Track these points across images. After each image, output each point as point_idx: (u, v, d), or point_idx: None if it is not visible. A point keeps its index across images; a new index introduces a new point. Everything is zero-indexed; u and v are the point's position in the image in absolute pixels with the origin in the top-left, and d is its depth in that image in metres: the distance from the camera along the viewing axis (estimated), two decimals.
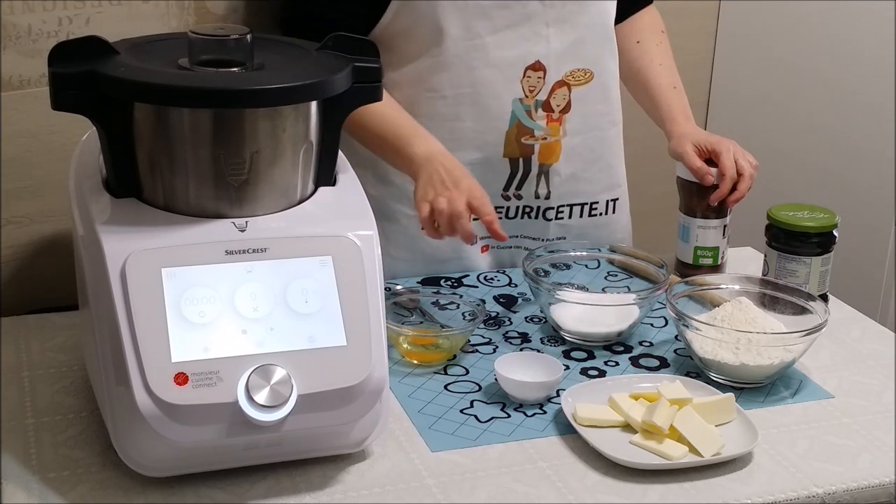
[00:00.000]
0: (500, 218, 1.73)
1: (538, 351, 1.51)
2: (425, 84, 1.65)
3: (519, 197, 1.74)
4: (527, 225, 1.76)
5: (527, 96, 1.67)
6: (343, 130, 1.29)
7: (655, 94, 1.78)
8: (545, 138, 1.71)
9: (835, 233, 1.62)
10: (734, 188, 1.66)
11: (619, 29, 1.79)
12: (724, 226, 1.72)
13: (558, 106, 1.69)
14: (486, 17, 1.61)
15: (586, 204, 1.79)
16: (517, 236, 1.77)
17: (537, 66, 1.65)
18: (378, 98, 1.28)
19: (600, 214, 1.81)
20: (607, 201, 1.81)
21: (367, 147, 1.61)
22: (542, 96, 1.68)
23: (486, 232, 1.69)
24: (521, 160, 1.71)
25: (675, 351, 1.53)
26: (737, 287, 1.56)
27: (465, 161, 1.68)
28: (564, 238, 1.78)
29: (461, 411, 1.37)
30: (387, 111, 1.58)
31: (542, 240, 1.77)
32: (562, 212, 1.77)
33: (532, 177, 1.72)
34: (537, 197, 1.74)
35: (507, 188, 1.73)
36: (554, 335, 1.56)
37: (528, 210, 1.75)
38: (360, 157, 1.64)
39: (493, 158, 1.70)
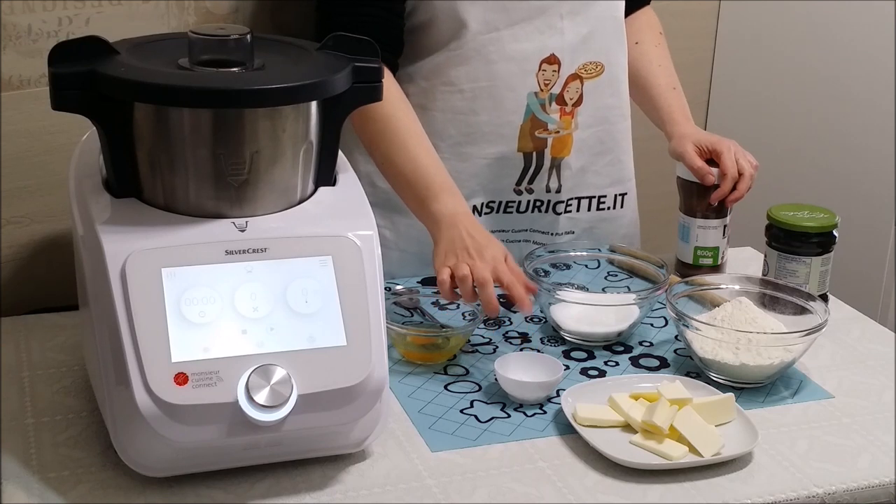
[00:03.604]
0: (511, 212, 1.74)
1: (538, 351, 1.51)
2: (442, 78, 1.65)
3: (530, 191, 1.74)
4: (537, 219, 1.77)
5: (542, 90, 1.67)
6: (347, 129, 1.29)
7: (655, 94, 1.79)
8: (558, 132, 1.71)
9: (835, 233, 1.62)
10: (734, 188, 1.66)
11: None
12: (724, 226, 1.72)
13: (571, 99, 1.70)
14: (503, 10, 1.62)
15: (594, 197, 1.79)
16: (527, 230, 1.77)
17: (552, 60, 1.66)
18: (378, 98, 1.28)
19: (608, 209, 1.82)
20: (615, 195, 1.82)
21: (389, 182, 1.58)
22: (556, 90, 1.68)
23: (495, 225, 1.69)
24: (534, 154, 1.71)
25: (675, 351, 1.53)
26: (737, 287, 1.56)
27: (479, 156, 1.69)
28: (573, 232, 1.79)
29: (461, 411, 1.37)
30: (420, 154, 1.54)
31: (552, 234, 1.78)
32: (570, 205, 1.77)
33: (544, 171, 1.73)
34: (548, 191, 1.75)
35: (519, 182, 1.73)
36: (554, 335, 1.56)
37: (538, 204, 1.76)
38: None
39: (507, 153, 1.70)
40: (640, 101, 1.82)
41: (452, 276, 1.43)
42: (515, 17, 1.63)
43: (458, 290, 1.43)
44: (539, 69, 1.66)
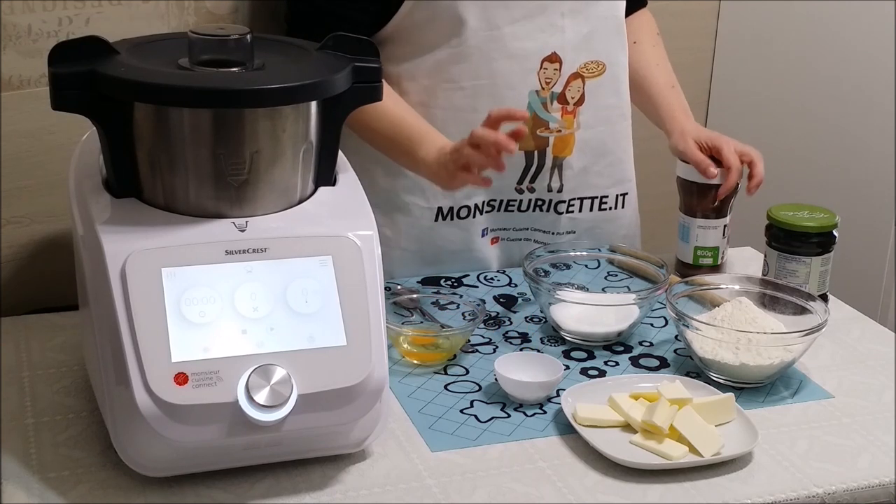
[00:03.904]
0: (512, 211, 1.75)
1: (538, 351, 1.51)
2: (443, 75, 1.65)
3: (532, 190, 1.74)
4: (538, 218, 1.77)
5: (543, 88, 1.67)
6: (347, 128, 1.29)
7: (654, 93, 1.80)
8: (560, 131, 1.71)
9: (835, 233, 1.62)
10: (750, 176, 1.67)
11: None
12: (724, 226, 1.72)
13: (573, 98, 1.70)
14: (504, 7, 1.62)
15: (596, 198, 1.79)
16: (528, 229, 1.77)
17: (553, 58, 1.66)
18: (378, 98, 1.28)
19: (609, 209, 1.82)
20: (616, 195, 1.82)
21: (376, 148, 1.62)
22: (558, 88, 1.68)
23: (496, 223, 1.69)
24: (535, 153, 1.71)
25: (675, 351, 1.53)
26: (737, 287, 1.56)
27: None
28: (574, 232, 1.79)
29: (461, 411, 1.37)
30: (394, 112, 1.58)
31: (553, 233, 1.78)
32: (573, 205, 1.77)
33: (546, 170, 1.73)
34: (550, 190, 1.75)
35: (521, 181, 1.73)
36: (554, 335, 1.56)
37: (540, 203, 1.75)
38: (368, 150, 1.64)
39: None
40: (639, 100, 1.82)
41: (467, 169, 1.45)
42: (516, 15, 1.63)
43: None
44: (540, 67, 1.66)
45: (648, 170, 1.97)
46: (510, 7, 1.62)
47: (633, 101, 1.82)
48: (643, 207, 1.91)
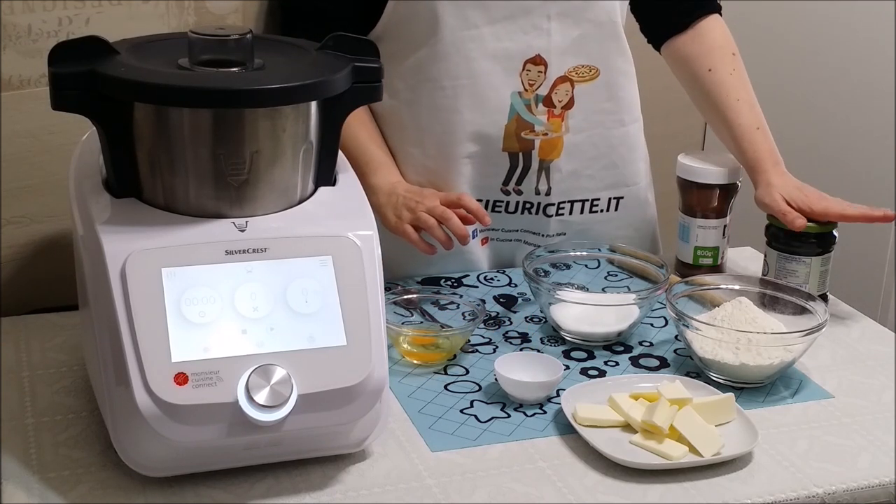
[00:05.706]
0: (500, 212, 1.74)
1: (538, 351, 1.51)
2: (425, 74, 1.65)
3: (519, 192, 1.73)
4: (527, 220, 1.76)
5: (526, 90, 1.66)
6: None
7: (737, 136, 1.70)
8: (546, 134, 1.70)
9: (835, 233, 1.62)
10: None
11: (683, 45, 1.75)
12: (724, 226, 1.72)
13: (560, 102, 1.68)
14: (482, 8, 1.61)
15: (587, 200, 1.78)
16: (517, 230, 1.77)
17: (537, 60, 1.65)
18: (378, 98, 1.28)
19: (601, 211, 1.80)
20: (609, 198, 1.80)
21: None
22: (543, 91, 1.67)
23: (482, 224, 1.70)
24: (520, 155, 1.70)
25: (675, 351, 1.53)
26: (737, 287, 1.56)
27: (463, 154, 1.68)
28: (565, 234, 1.78)
29: (461, 411, 1.37)
30: (360, 132, 1.65)
31: (543, 235, 1.77)
32: (562, 208, 1.76)
33: (532, 172, 1.72)
34: (537, 193, 1.73)
35: (506, 182, 1.72)
36: (554, 335, 1.56)
37: (528, 206, 1.74)
38: None
39: (491, 152, 1.69)
40: (722, 139, 1.75)
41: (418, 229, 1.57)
42: (496, 16, 1.62)
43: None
44: (523, 69, 1.65)
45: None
46: (489, 7, 1.61)
47: (715, 134, 1.76)
48: None
